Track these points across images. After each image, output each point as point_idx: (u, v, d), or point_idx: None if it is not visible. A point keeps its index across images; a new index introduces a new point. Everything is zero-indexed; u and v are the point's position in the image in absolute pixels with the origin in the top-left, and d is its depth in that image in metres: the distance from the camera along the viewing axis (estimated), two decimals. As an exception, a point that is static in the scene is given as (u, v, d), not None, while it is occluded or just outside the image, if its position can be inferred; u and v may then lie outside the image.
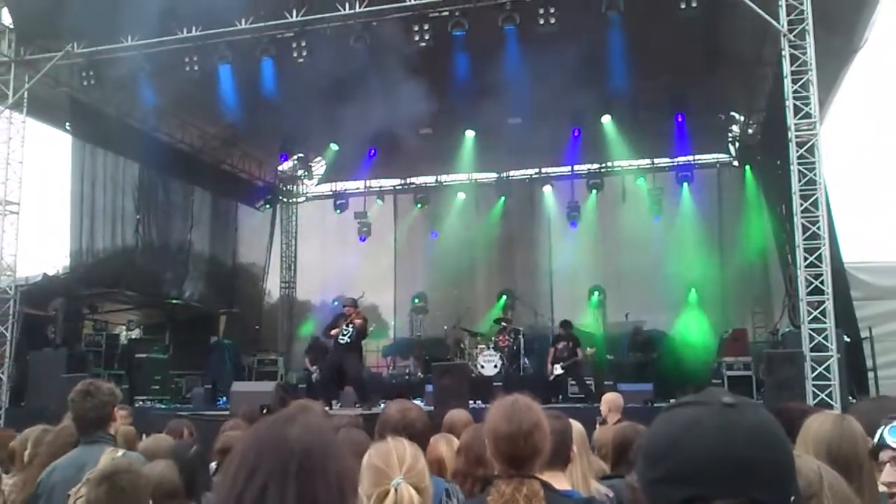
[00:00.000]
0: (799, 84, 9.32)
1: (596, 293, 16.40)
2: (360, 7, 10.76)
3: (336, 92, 13.03)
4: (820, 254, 9.02)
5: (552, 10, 10.34)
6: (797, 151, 9.19)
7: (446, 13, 10.90)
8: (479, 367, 13.30)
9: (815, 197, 9.11)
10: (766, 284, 15.34)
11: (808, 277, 9.04)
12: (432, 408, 9.06)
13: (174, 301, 16.15)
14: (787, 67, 9.37)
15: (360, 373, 11.90)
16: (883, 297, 11.44)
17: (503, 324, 14.51)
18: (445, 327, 15.65)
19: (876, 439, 1.97)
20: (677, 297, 15.55)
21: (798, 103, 9.29)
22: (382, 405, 9.51)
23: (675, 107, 14.67)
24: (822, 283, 8.96)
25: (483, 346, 13.97)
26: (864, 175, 31.68)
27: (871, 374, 10.52)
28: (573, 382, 12.43)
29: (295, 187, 20.00)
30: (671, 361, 13.61)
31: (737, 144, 16.57)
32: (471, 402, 9.38)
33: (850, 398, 8.86)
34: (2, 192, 12.12)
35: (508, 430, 2.34)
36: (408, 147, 15.29)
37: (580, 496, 2.72)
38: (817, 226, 9.06)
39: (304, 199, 20.08)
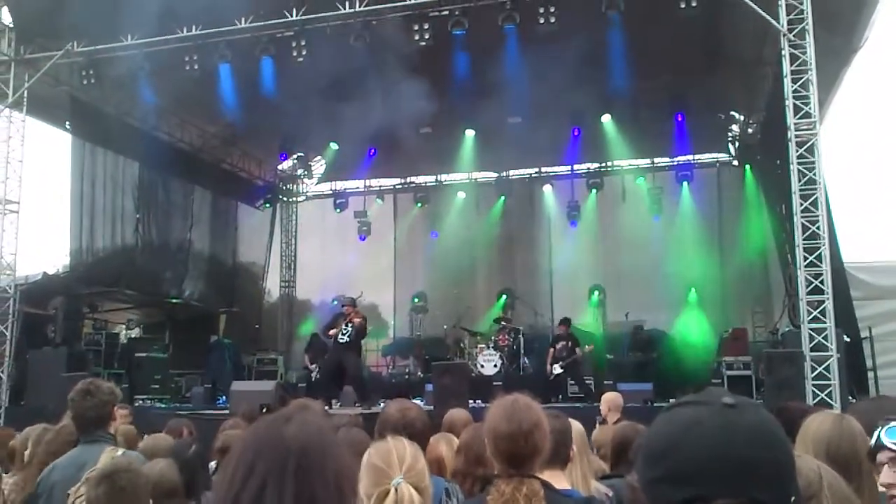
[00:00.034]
0: (799, 84, 9.32)
1: (596, 293, 16.38)
2: (359, 6, 10.76)
3: (336, 91, 13.01)
4: (820, 253, 9.02)
5: (552, 10, 10.34)
6: (797, 151, 9.20)
7: (446, 12, 10.91)
8: (478, 366, 13.30)
9: (814, 197, 9.11)
10: (765, 284, 15.34)
11: (808, 277, 9.04)
12: (432, 407, 9.05)
13: (174, 300, 16.14)
14: (786, 67, 9.38)
15: (360, 372, 11.91)
16: (883, 296, 11.44)
17: (503, 323, 14.50)
18: (445, 327, 15.65)
19: (873, 441, 1.96)
20: (677, 297, 15.55)
21: (798, 103, 9.29)
22: (382, 404, 9.53)
23: (674, 106, 14.66)
24: (821, 282, 8.97)
25: (483, 345, 13.96)
26: (863, 175, 31.75)
27: (870, 374, 10.53)
28: (573, 382, 12.44)
29: (295, 186, 20.00)
30: (671, 361, 13.60)
31: (737, 144, 16.57)
32: (470, 401, 9.39)
33: (850, 398, 8.86)
34: (2, 192, 12.13)
35: (508, 429, 2.34)
36: (408, 146, 15.26)
37: (580, 495, 2.72)
38: (817, 225, 9.06)
39: (303, 198, 20.07)
